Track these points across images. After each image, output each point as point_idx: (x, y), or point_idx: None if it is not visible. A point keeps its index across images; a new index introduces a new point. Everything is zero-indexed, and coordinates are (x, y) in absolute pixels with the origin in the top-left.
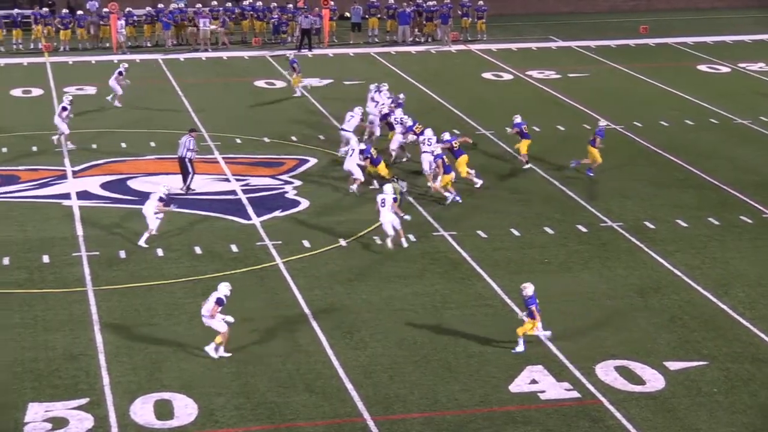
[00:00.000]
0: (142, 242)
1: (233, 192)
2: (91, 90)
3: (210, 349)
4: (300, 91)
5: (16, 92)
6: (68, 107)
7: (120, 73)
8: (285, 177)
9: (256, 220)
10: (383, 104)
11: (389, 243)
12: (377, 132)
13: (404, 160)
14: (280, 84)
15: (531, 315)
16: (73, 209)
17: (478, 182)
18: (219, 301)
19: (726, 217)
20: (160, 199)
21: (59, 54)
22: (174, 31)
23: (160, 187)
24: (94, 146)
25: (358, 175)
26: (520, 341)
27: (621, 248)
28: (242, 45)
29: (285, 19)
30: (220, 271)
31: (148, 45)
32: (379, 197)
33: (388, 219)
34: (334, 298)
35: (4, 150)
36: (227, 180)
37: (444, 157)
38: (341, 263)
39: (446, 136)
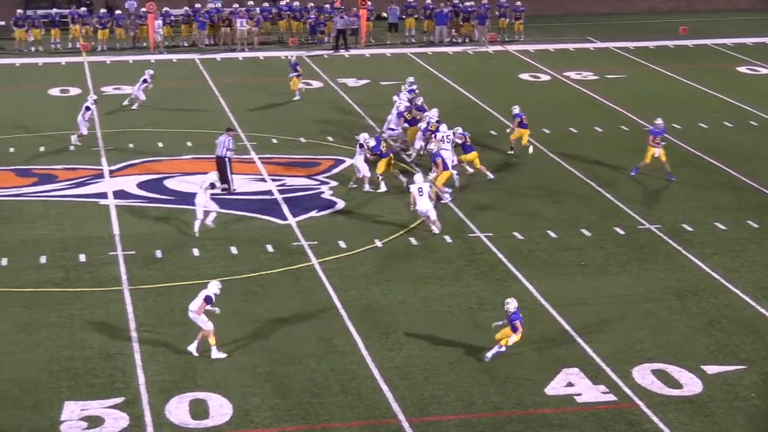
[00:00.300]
0: (196, 229)
1: (269, 192)
2: (128, 89)
3: (193, 348)
4: (299, 94)
5: (54, 91)
6: (92, 107)
7: (145, 81)
8: (321, 177)
9: (292, 220)
10: (401, 101)
11: (435, 229)
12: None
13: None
14: (317, 84)
15: (514, 329)
16: (110, 208)
17: (490, 175)
18: (207, 299)
19: (765, 219)
20: (212, 185)
21: (97, 54)
22: (209, 31)
23: (210, 174)
24: (131, 145)
25: (365, 171)
26: (495, 349)
27: (659, 251)
28: (279, 45)
29: (322, 19)
30: (255, 271)
31: (185, 45)
32: (415, 187)
33: (426, 207)
34: (370, 299)
35: (42, 149)
36: (263, 180)
37: (442, 155)
38: (377, 264)
39: (459, 129)
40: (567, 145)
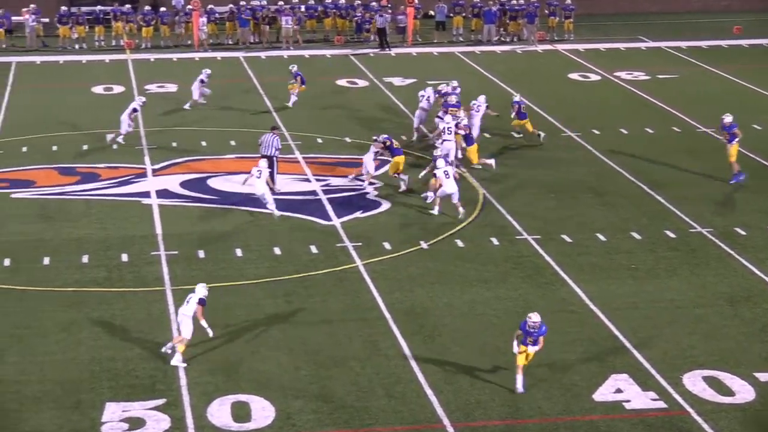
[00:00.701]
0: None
1: (314, 192)
2: (172, 88)
3: (169, 350)
4: (293, 100)
5: (98, 89)
6: (138, 109)
7: (202, 81)
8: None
9: (336, 221)
10: (428, 97)
11: (461, 210)
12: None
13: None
14: (362, 83)
15: (536, 343)
16: (153, 208)
17: (491, 162)
18: (202, 302)
19: None
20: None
21: (141, 51)
22: (253, 29)
23: (260, 163)
24: (174, 144)
25: (370, 168)
26: (521, 378)
27: (711, 255)
28: (324, 43)
29: (368, 17)
30: (299, 272)
31: (230, 42)
32: (441, 170)
33: (453, 189)
34: (415, 302)
35: (85, 147)
36: (308, 180)
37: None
38: (422, 266)
39: (464, 121)
40: (617, 146)
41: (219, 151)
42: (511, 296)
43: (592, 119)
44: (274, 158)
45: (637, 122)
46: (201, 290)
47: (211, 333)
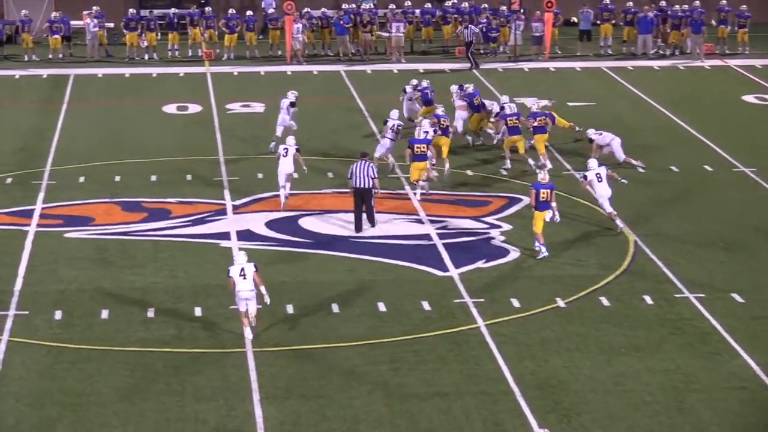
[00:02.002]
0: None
1: (427, 236)
2: (258, 107)
3: (249, 334)
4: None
5: (170, 108)
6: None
7: (292, 104)
8: (491, 219)
9: (453, 272)
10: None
11: (619, 223)
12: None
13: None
14: (488, 104)
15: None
16: (233, 252)
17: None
18: (257, 267)
19: None
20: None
21: (222, 63)
22: (353, 37)
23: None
24: (260, 176)
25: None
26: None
27: None
28: (444, 56)
29: (496, 24)
30: (408, 333)
31: (330, 54)
32: (592, 173)
33: (606, 194)
34: (549, 373)
35: (153, 178)
36: (420, 221)
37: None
38: (559, 329)
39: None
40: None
41: (314, 185)
42: (667, 368)
43: None
44: (371, 191)
45: None
46: (242, 258)
47: (268, 300)
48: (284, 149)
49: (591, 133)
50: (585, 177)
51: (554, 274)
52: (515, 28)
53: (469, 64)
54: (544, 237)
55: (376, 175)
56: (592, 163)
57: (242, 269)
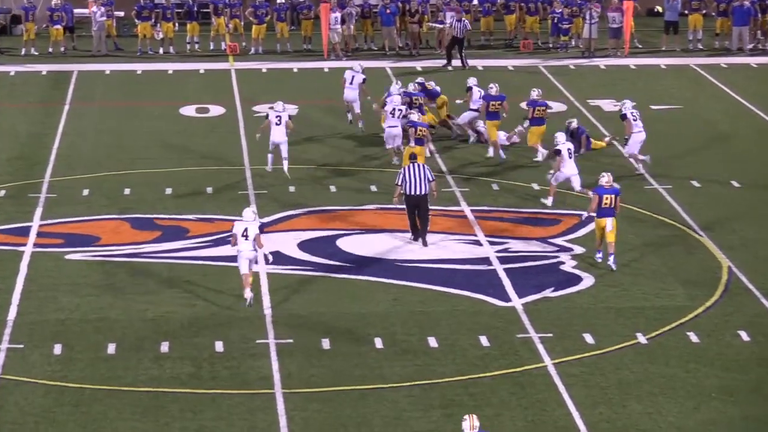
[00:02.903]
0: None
1: (486, 260)
2: (290, 109)
3: (250, 295)
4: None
5: (188, 110)
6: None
7: (364, 80)
8: (561, 241)
9: (517, 302)
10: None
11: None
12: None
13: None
14: (557, 106)
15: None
16: (260, 277)
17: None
18: (262, 228)
19: None
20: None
21: (249, 58)
22: (401, 26)
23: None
24: (291, 189)
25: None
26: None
27: None
28: (507, 50)
29: (568, 14)
30: (463, 372)
31: (374, 48)
32: (565, 147)
33: (575, 172)
34: (628, 420)
35: (169, 191)
36: (477, 242)
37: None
38: (639, 369)
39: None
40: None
41: (353, 200)
42: (765, 416)
43: None
44: (427, 199)
45: None
46: (249, 214)
47: (270, 259)
48: (277, 116)
49: (628, 106)
50: (558, 152)
51: (634, 305)
52: (589, 18)
53: (458, 63)
54: (615, 248)
55: (433, 177)
56: (561, 136)
57: (246, 229)
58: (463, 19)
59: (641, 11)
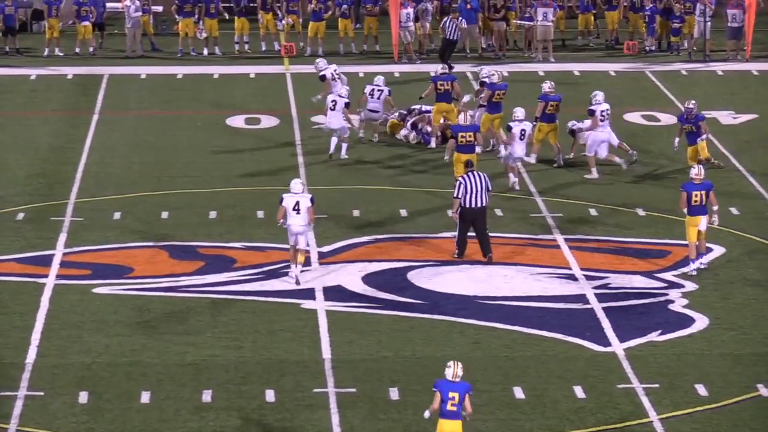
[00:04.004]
0: None
1: (582, 297)
2: (354, 120)
3: (297, 272)
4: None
5: (236, 121)
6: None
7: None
8: (670, 275)
9: (618, 347)
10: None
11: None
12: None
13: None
14: (665, 118)
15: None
16: (318, 316)
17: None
18: (313, 201)
19: None
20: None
21: (305, 59)
22: (484, 25)
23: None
24: (356, 213)
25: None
26: None
27: None
28: (604, 51)
29: (679, 11)
30: (555, 428)
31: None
32: (518, 127)
33: (522, 154)
34: None
35: (213, 215)
36: (572, 277)
37: None
38: (760, 425)
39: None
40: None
41: (427, 227)
42: None
43: None
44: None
45: None
46: (299, 186)
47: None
48: (332, 101)
49: (600, 101)
50: (510, 128)
51: (755, 351)
52: (704, 15)
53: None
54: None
55: (490, 187)
56: (520, 112)
57: (297, 203)
58: (460, 18)
59: (766, 8)
